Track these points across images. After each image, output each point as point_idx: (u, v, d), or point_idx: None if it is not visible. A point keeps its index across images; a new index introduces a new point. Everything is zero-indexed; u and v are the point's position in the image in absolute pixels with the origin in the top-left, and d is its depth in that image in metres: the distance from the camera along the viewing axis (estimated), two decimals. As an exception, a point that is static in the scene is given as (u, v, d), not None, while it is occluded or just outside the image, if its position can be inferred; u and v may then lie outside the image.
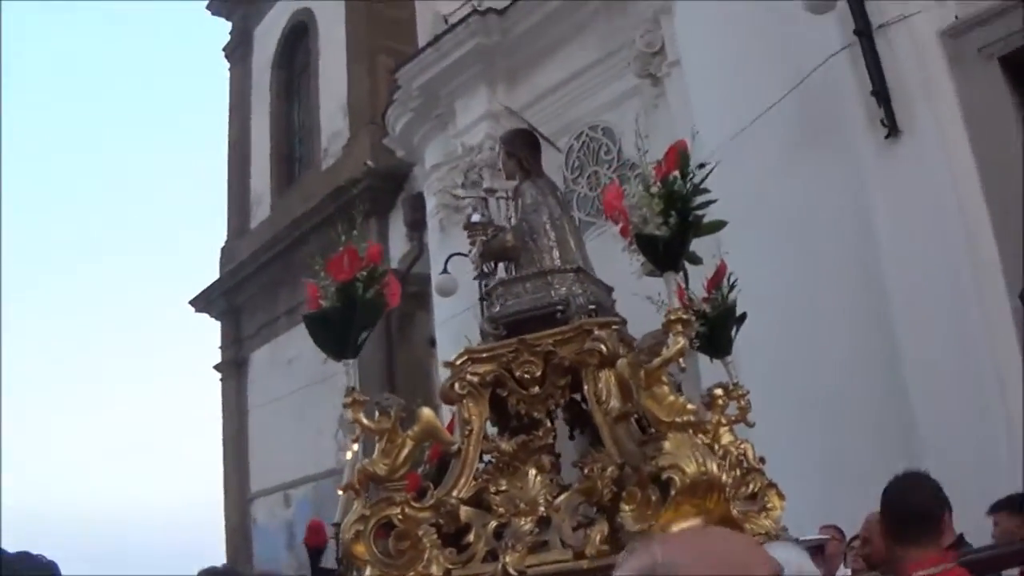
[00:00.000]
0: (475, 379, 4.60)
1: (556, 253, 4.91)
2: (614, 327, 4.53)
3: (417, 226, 17.27)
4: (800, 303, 8.60)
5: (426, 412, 4.51)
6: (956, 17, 8.01)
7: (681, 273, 4.15)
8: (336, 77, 20.86)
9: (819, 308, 8.50)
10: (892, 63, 8.10)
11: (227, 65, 26.09)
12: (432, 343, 16.38)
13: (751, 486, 4.65)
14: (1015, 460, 6.72)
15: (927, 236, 7.76)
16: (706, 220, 4.21)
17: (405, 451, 4.42)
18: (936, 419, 7.44)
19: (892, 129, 8.02)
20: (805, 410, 8.29)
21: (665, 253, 4.01)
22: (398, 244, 17.99)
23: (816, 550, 5.29)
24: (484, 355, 4.65)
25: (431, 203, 15.58)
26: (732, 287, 5.11)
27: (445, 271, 12.62)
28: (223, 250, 24.17)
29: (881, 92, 8.07)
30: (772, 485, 4.72)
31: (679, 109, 10.89)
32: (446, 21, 15.04)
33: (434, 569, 4.23)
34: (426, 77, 14.87)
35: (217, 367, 23.84)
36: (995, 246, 7.54)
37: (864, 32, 8.19)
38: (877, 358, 8.03)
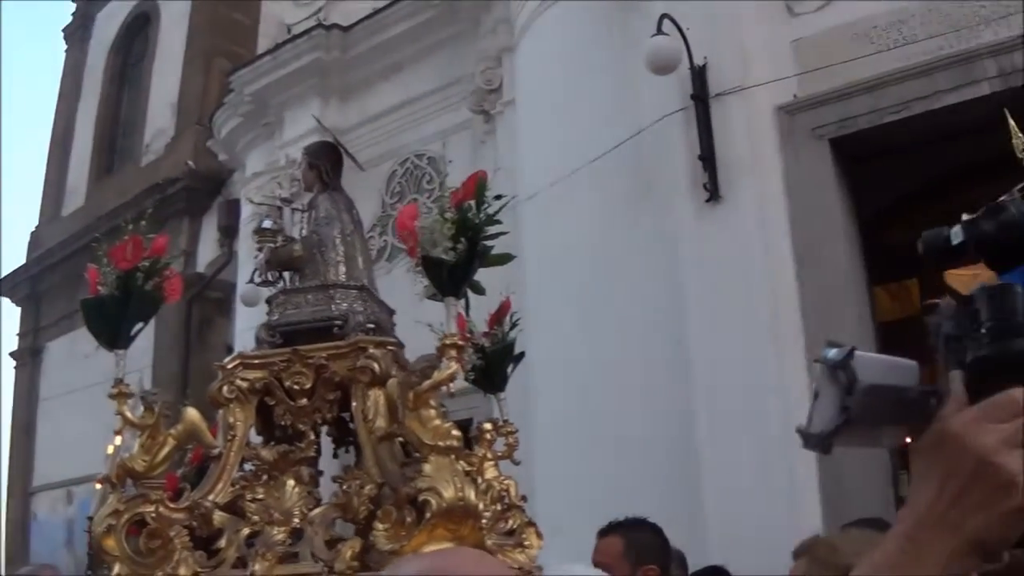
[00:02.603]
0: (244, 384, 4.54)
1: (342, 268, 4.89)
2: (389, 347, 4.51)
3: (229, 232, 16.94)
4: (602, 351, 8.61)
5: (191, 412, 4.42)
6: (795, 96, 8.18)
7: (462, 301, 4.14)
8: (170, 73, 20.39)
9: (621, 358, 8.52)
10: (724, 131, 8.21)
11: (64, 47, 25.30)
12: (229, 351, 16.10)
13: (511, 522, 4.66)
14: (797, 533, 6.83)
15: (733, 302, 7.87)
16: (496, 252, 4.23)
17: (166, 449, 4.33)
18: (722, 473, 7.55)
19: (713, 194, 8.09)
20: (594, 458, 8.33)
21: (449, 278, 4.01)
22: (208, 248, 17.70)
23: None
24: (256, 361, 4.60)
25: (246, 211, 15.28)
26: (514, 325, 5.11)
27: (252, 281, 12.39)
28: (32, 235, 23.37)
29: (708, 158, 8.16)
30: (531, 524, 4.75)
31: (505, 148, 10.93)
32: (289, 31, 14.89)
33: (183, 570, 4.16)
34: (260, 84, 14.66)
35: (13, 354, 23.00)
36: (799, 319, 7.69)
37: (700, 97, 8.29)
38: (673, 415, 8.04)
